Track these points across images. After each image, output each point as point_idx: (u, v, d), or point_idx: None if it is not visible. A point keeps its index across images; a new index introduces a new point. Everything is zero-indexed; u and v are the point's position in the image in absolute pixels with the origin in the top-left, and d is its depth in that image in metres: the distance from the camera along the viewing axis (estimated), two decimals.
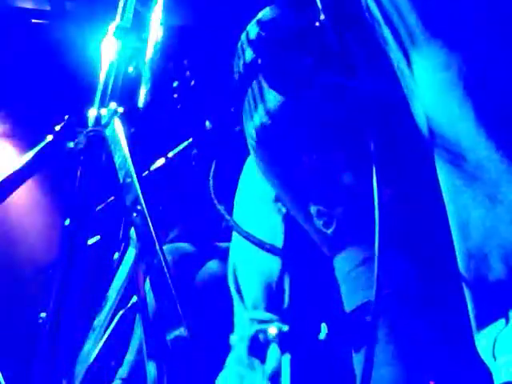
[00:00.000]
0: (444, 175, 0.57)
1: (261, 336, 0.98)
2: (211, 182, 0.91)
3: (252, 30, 0.89)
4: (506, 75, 0.52)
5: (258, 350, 0.98)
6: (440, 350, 0.65)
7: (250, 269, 1.05)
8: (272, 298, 1.00)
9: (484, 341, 0.52)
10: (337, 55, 0.74)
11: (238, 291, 1.07)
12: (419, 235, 0.73)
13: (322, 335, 0.92)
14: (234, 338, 1.03)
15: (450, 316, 0.66)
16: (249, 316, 1.01)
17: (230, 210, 1.18)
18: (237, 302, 1.08)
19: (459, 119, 0.52)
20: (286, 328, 0.96)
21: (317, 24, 0.72)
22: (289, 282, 1.00)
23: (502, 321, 0.50)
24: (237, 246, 1.12)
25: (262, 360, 0.97)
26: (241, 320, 1.03)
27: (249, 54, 0.88)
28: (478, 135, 0.50)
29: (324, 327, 0.92)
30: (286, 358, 0.95)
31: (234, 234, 1.14)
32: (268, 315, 0.98)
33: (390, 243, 0.70)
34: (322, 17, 0.72)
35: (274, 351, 0.96)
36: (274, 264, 1.02)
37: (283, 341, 0.96)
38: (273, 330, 0.96)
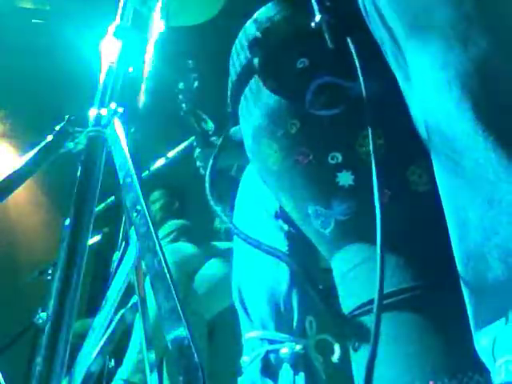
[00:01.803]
0: (442, 175, 0.57)
1: (272, 357, 0.97)
2: (208, 183, 0.91)
3: (248, 29, 0.89)
4: (504, 74, 0.52)
5: (270, 371, 0.96)
6: (440, 350, 0.65)
7: (256, 286, 1.03)
8: (281, 317, 0.98)
9: (483, 341, 0.52)
10: (333, 56, 0.74)
11: (245, 309, 1.05)
12: (419, 235, 0.73)
13: (336, 357, 0.90)
14: (244, 359, 1.01)
15: (450, 316, 0.67)
16: (258, 336, 1.00)
17: (230, 211, 1.17)
18: (244, 320, 1.06)
19: (457, 119, 0.52)
20: (298, 348, 0.95)
21: (313, 24, 0.72)
22: (297, 299, 0.99)
23: (502, 321, 0.50)
24: (240, 261, 1.10)
25: (275, 381, 0.95)
26: (249, 340, 1.02)
27: (245, 54, 0.88)
28: (475, 135, 0.50)
29: (337, 348, 0.90)
30: (300, 378, 0.94)
31: (236, 248, 1.13)
32: (279, 335, 0.97)
33: (390, 243, 0.70)
34: (318, 17, 0.72)
35: (286, 372, 0.95)
36: (281, 280, 1.00)
37: (296, 361, 0.95)
38: (285, 351, 0.95)
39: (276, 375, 0.95)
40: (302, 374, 0.93)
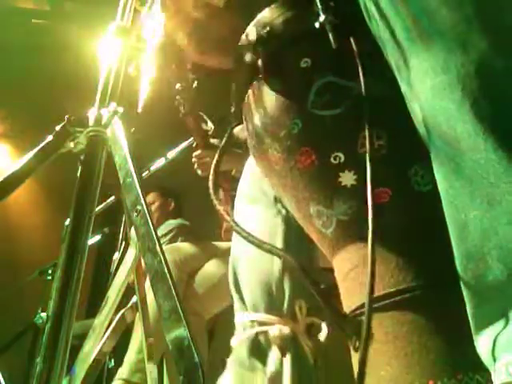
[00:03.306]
0: (442, 176, 0.57)
1: (261, 338, 0.98)
2: (211, 183, 0.91)
3: (251, 30, 0.89)
4: (505, 76, 0.52)
5: (259, 352, 0.98)
6: (440, 350, 0.65)
7: (250, 269, 1.05)
8: (272, 300, 1.00)
9: (484, 341, 0.52)
10: (336, 56, 0.74)
11: (238, 292, 1.07)
12: (420, 235, 0.73)
13: (322, 336, 0.92)
14: (234, 340, 1.02)
15: (450, 316, 0.67)
16: (249, 317, 1.01)
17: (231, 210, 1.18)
18: (237, 302, 1.08)
19: (457, 121, 0.52)
20: (286, 330, 0.96)
21: (317, 24, 0.72)
22: (289, 283, 1.00)
23: (502, 321, 0.50)
24: (237, 247, 1.12)
25: (264, 362, 0.97)
26: (241, 321, 1.03)
27: (248, 55, 0.88)
28: (476, 136, 0.50)
29: (324, 327, 0.92)
30: (287, 360, 0.95)
31: (235, 234, 1.14)
32: (269, 317, 0.98)
33: (390, 243, 0.70)
34: (323, 17, 0.72)
35: (275, 353, 0.96)
36: (274, 265, 1.02)
37: (284, 343, 0.96)
38: (274, 332, 0.96)
39: (264, 356, 0.97)
40: (289, 356, 0.95)
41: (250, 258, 1.06)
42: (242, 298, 1.06)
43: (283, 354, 0.96)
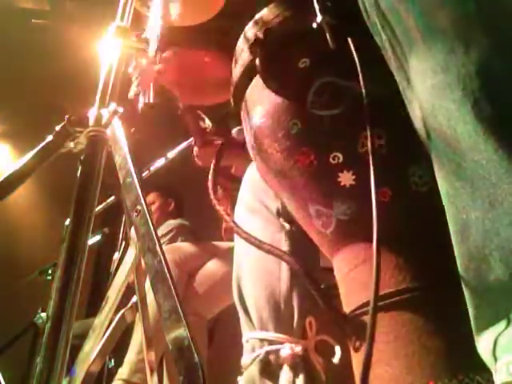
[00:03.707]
0: (443, 176, 0.57)
1: (272, 357, 0.96)
2: (211, 183, 0.91)
3: (249, 30, 0.89)
4: (506, 76, 0.52)
5: (270, 372, 0.96)
6: (440, 350, 0.65)
7: (256, 285, 1.03)
8: (281, 317, 0.98)
9: (485, 342, 0.52)
10: (335, 56, 0.74)
11: (244, 308, 1.05)
12: (420, 235, 0.73)
13: (337, 358, 0.90)
14: (245, 360, 1.00)
15: (451, 316, 0.67)
16: (258, 336, 0.99)
17: (231, 211, 1.17)
18: (244, 320, 1.05)
19: (458, 121, 0.52)
20: (297, 349, 0.94)
21: (314, 25, 0.72)
22: (297, 300, 0.98)
23: (503, 321, 0.50)
24: (241, 260, 1.10)
25: (275, 382, 0.95)
26: (250, 340, 1.01)
27: (246, 55, 0.88)
28: (477, 136, 0.50)
29: (338, 349, 0.90)
30: (300, 381, 0.93)
31: (237, 247, 1.12)
32: (278, 335, 0.96)
33: (390, 243, 0.70)
34: (320, 17, 0.72)
35: (286, 373, 0.94)
36: (281, 281, 0.99)
37: (295, 362, 0.94)
38: (284, 352, 0.94)
39: (275, 376, 0.95)
40: (301, 377, 0.93)
41: (255, 271, 1.03)
42: (248, 315, 1.04)
43: (295, 374, 0.93)
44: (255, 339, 0.99)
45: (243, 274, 1.07)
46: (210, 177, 0.92)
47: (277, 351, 0.95)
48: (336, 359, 0.87)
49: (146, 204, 0.78)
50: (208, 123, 1.78)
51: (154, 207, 2.79)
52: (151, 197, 2.82)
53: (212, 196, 0.89)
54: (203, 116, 1.79)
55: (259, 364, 0.97)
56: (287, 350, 0.94)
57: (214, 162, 0.96)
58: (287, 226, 1.03)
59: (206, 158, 1.80)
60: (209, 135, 1.79)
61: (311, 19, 0.73)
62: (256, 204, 1.09)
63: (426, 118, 0.57)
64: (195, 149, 1.85)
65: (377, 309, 0.58)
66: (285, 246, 1.01)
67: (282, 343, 0.95)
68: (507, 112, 0.50)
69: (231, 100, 0.97)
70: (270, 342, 0.97)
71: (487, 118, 0.50)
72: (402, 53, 0.60)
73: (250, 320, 1.02)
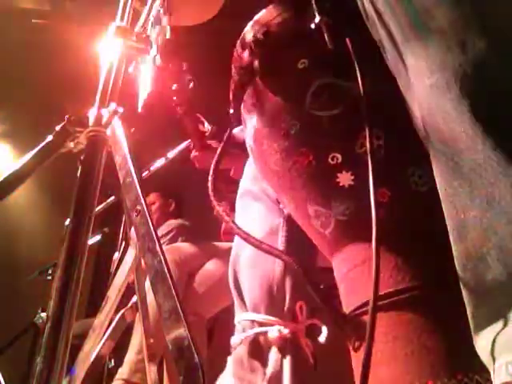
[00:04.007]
0: (441, 175, 0.57)
1: (261, 339, 0.98)
2: (211, 184, 0.91)
3: (249, 31, 0.90)
4: (502, 75, 0.52)
5: (258, 353, 0.98)
6: (439, 350, 0.66)
7: (251, 269, 1.05)
8: (273, 300, 0.99)
9: (483, 341, 0.53)
10: (333, 56, 0.74)
11: (239, 292, 1.07)
12: (419, 235, 0.73)
13: (323, 337, 0.91)
14: (234, 340, 1.02)
15: (450, 316, 0.67)
16: (249, 318, 1.01)
17: (231, 211, 1.18)
18: (237, 302, 1.08)
19: (456, 120, 0.52)
20: (286, 331, 0.96)
21: (312, 26, 0.73)
22: (290, 284, 1.00)
23: (501, 321, 0.50)
24: (238, 245, 1.11)
25: (263, 363, 0.96)
26: (241, 321, 1.03)
27: (246, 56, 0.88)
28: (474, 136, 0.50)
29: (324, 329, 0.92)
30: (287, 362, 0.94)
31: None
32: (268, 318, 0.98)
33: (389, 243, 0.70)
34: (318, 18, 0.72)
35: (274, 354, 0.96)
36: (275, 265, 1.01)
37: (284, 345, 0.96)
38: (273, 333, 0.96)
39: (264, 357, 0.96)
40: (289, 358, 0.94)
41: (251, 257, 1.06)
42: (242, 298, 1.06)
43: (283, 356, 0.95)
44: (246, 320, 1.01)
45: (240, 258, 1.08)
46: (210, 178, 0.92)
47: (266, 333, 0.97)
48: (322, 338, 0.89)
49: (146, 204, 0.78)
50: (207, 126, 1.78)
51: (154, 207, 2.79)
52: (152, 197, 2.83)
53: (212, 197, 0.89)
54: (202, 119, 1.79)
55: (248, 344, 0.98)
56: (275, 331, 0.95)
57: (214, 162, 0.96)
58: (286, 211, 1.05)
59: (205, 161, 1.80)
60: (208, 138, 1.80)
61: (310, 20, 0.73)
62: (257, 191, 1.11)
63: (425, 118, 0.57)
64: (193, 152, 1.86)
65: (376, 308, 0.58)
66: (282, 231, 1.03)
67: (272, 325, 0.97)
68: (504, 112, 0.50)
69: (230, 100, 0.97)
70: (261, 324, 0.98)
71: (484, 117, 0.50)
72: (399, 52, 0.60)
73: (243, 302, 1.04)
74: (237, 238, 1.14)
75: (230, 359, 1.03)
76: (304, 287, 0.80)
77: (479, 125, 0.50)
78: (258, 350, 0.98)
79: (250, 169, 1.17)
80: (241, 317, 1.04)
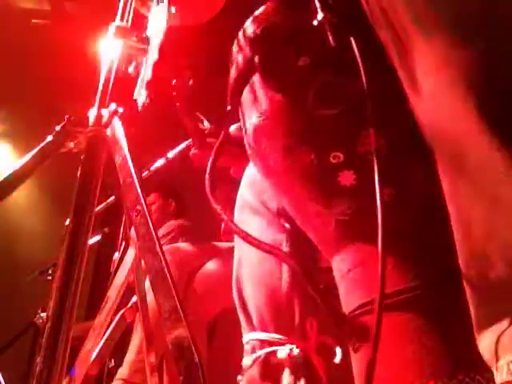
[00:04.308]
0: (445, 175, 0.57)
1: (272, 359, 0.96)
2: (208, 182, 0.91)
3: (248, 27, 0.89)
4: (508, 73, 0.52)
5: (271, 374, 0.95)
6: (440, 350, 0.65)
7: (257, 286, 1.02)
8: (281, 318, 0.97)
9: (486, 340, 0.52)
10: (335, 54, 0.73)
11: (245, 310, 1.04)
12: (421, 235, 0.73)
13: (338, 359, 0.89)
14: (245, 361, 0.99)
15: (451, 315, 0.67)
16: (258, 337, 0.98)
17: (230, 211, 1.17)
18: (244, 321, 1.05)
19: (460, 118, 0.52)
20: (296, 351, 0.94)
21: (315, 23, 0.72)
22: (298, 300, 0.97)
23: (505, 321, 0.50)
24: (241, 260, 1.09)
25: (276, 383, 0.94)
26: (250, 341, 1.00)
27: (245, 52, 0.88)
28: (479, 134, 0.50)
29: (339, 351, 0.89)
30: (301, 382, 0.92)
31: (237, 247, 1.12)
32: (278, 337, 0.95)
33: (391, 243, 0.70)
34: (321, 15, 0.71)
35: (288, 377, 0.93)
36: (282, 281, 0.99)
37: (296, 364, 0.93)
38: (285, 353, 0.94)
39: (276, 377, 0.95)
40: (303, 381, 0.92)
41: (255, 271, 1.02)
42: (248, 316, 1.03)
43: (296, 377, 0.93)
44: (255, 340, 0.99)
45: (243, 274, 1.06)
46: (207, 176, 0.92)
47: (277, 352, 0.95)
48: (337, 360, 0.87)
49: (146, 204, 0.78)
50: (207, 125, 1.78)
51: (154, 207, 2.79)
52: (152, 197, 2.82)
53: (209, 195, 0.88)
54: (202, 117, 1.79)
55: (259, 366, 0.96)
56: (286, 351, 0.93)
57: (211, 161, 0.96)
58: (288, 226, 1.02)
59: (204, 159, 1.80)
60: (207, 137, 1.79)
61: (311, 17, 0.73)
62: (256, 204, 1.08)
63: (429, 116, 0.57)
64: (192, 150, 1.85)
65: (382, 309, 0.58)
66: (285, 246, 1.01)
67: (282, 344, 0.95)
68: (510, 110, 0.50)
69: (229, 98, 0.97)
70: (270, 343, 0.96)
71: (491, 115, 0.50)
72: (403, 49, 0.60)
73: (251, 320, 1.02)
74: (237, 251, 1.11)
75: (242, 381, 1.00)
76: (313, 302, 0.79)
77: (484, 123, 0.50)
78: (270, 371, 0.95)
79: (250, 176, 1.15)
80: (249, 336, 1.01)
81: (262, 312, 0.99)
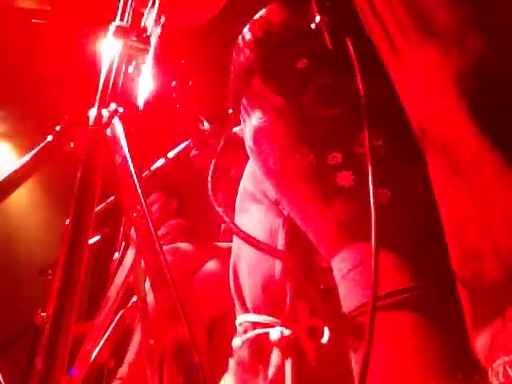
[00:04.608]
0: (438, 176, 0.57)
1: (263, 340, 0.97)
2: (210, 183, 0.91)
3: (248, 30, 0.89)
4: (500, 75, 0.52)
5: (260, 354, 0.97)
6: (439, 350, 0.65)
7: (252, 270, 1.04)
8: (274, 302, 0.99)
9: (481, 340, 0.53)
10: (333, 56, 0.74)
11: (239, 294, 1.06)
12: (418, 236, 0.73)
13: (325, 339, 0.91)
14: (236, 342, 1.02)
15: (449, 315, 0.67)
16: (250, 319, 1.00)
17: (230, 211, 1.17)
18: (238, 303, 1.07)
19: (454, 119, 0.52)
20: (288, 332, 0.95)
21: (313, 25, 0.72)
22: (291, 284, 0.99)
23: (499, 320, 0.50)
24: (238, 247, 1.11)
25: (265, 364, 0.96)
26: (242, 322, 1.03)
27: (245, 55, 0.88)
28: (473, 135, 0.50)
29: (326, 330, 0.91)
30: (289, 363, 0.94)
31: (235, 240, 1.13)
32: (270, 319, 0.98)
33: (389, 243, 0.70)
34: (318, 18, 0.72)
35: (276, 356, 0.95)
36: (276, 266, 1.01)
37: (285, 345, 0.95)
38: (275, 335, 0.96)
39: (266, 358, 0.96)
40: (291, 359, 0.94)
41: (252, 258, 1.05)
42: (243, 299, 1.05)
43: (285, 357, 0.95)
44: (247, 322, 1.00)
45: (241, 260, 1.08)
46: (209, 177, 0.92)
47: (267, 334, 0.96)
48: (325, 339, 0.88)
49: (146, 204, 0.78)
50: (206, 125, 1.78)
51: (155, 207, 2.79)
52: (154, 196, 2.82)
53: (211, 197, 0.89)
54: (202, 118, 1.79)
55: (249, 346, 0.98)
56: (277, 333, 0.95)
57: (214, 162, 0.96)
58: (285, 212, 1.04)
59: (204, 160, 1.80)
60: (207, 138, 1.79)
61: (310, 19, 0.73)
62: (257, 193, 1.10)
63: (422, 116, 0.57)
64: (193, 151, 1.85)
65: (375, 309, 0.58)
66: (282, 232, 1.02)
67: (273, 326, 0.96)
68: (503, 112, 0.51)
69: (230, 101, 0.97)
70: (262, 325, 0.98)
71: (484, 117, 0.50)
72: (397, 53, 0.60)
73: (245, 304, 1.04)
74: (236, 239, 1.14)
75: (231, 361, 1.02)
76: (304, 287, 0.80)
77: (478, 125, 0.50)
78: (259, 351, 0.97)
79: (251, 168, 1.17)
80: (242, 318, 1.03)
81: (255, 296, 1.01)
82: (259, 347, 0.98)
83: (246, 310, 1.04)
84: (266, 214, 1.06)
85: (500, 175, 0.48)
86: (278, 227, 1.03)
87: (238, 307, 1.07)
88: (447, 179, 0.54)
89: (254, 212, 1.08)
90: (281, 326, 0.96)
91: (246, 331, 1.00)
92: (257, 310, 1.00)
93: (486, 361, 0.51)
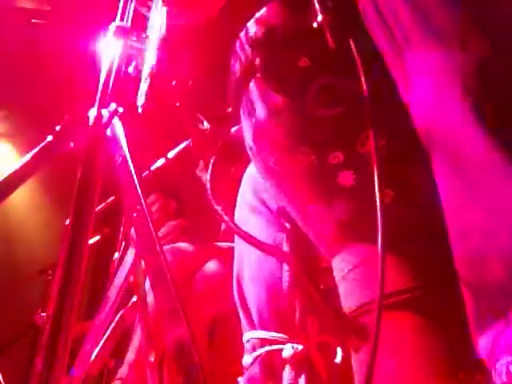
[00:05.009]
0: (442, 176, 0.57)
1: (274, 357, 0.95)
2: (209, 183, 0.91)
3: (250, 29, 0.89)
4: (504, 75, 0.52)
5: (272, 372, 0.95)
6: (440, 350, 0.65)
7: (258, 285, 1.02)
8: (281, 317, 0.97)
9: (484, 341, 0.52)
10: (335, 55, 0.74)
11: (245, 308, 1.04)
12: (420, 236, 0.73)
13: (338, 358, 0.89)
14: (246, 359, 1.00)
15: (451, 316, 0.67)
16: (259, 336, 0.99)
17: (230, 211, 1.17)
18: (244, 319, 1.05)
19: (457, 120, 0.52)
20: (299, 348, 0.94)
21: (315, 25, 0.72)
22: (299, 299, 0.97)
23: (502, 321, 0.50)
24: (240, 256, 1.09)
25: (277, 381, 0.94)
26: (250, 340, 1.00)
27: (246, 54, 0.88)
28: (476, 136, 0.50)
29: (339, 351, 0.89)
30: (302, 380, 0.93)
31: (237, 247, 1.12)
32: (279, 335, 0.96)
33: (391, 243, 0.70)
34: (320, 17, 0.72)
35: (289, 373, 0.93)
36: (282, 280, 0.99)
37: (297, 362, 0.93)
38: (286, 351, 0.94)
39: (277, 376, 0.95)
40: (304, 377, 0.93)
41: (257, 272, 1.03)
42: (249, 314, 1.03)
43: (298, 374, 0.93)
44: (256, 339, 0.99)
45: (244, 273, 1.07)
46: (208, 177, 0.92)
47: (279, 351, 0.95)
48: (338, 359, 0.87)
49: (146, 204, 0.78)
50: (206, 125, 1.78)
51: (155, 208, 2.78)
52: (153, 197, 2.82)
53: (210, 196, 0.88)
54: (202, 118, 1.79)
55: (261, 364, 0.96)
56: (290, 349, 0.94)
57: (212, 162, 0.96)
58: (288, 225, 1.02)
59: (204, 159, 1.80)
60: (207, 137, 1.79)
61: (312, 19, 0.73)
62: (257, 203, 1.08)
63: (426, 117, 0.57)
64: (193, 151, 1.85)
65: (382, 309, 0.58)
66: (286, 246, 1.01)
67: (283, 343, 0.95)
68: (507, 112, 0.50)
69: (230, 100, 0.97)
70: (271, 342, 0.96)
71: (487, 117, 0.50)
72: (400, 53, 0.60)
73: (251, 319, 1.02)
74: (238, 247, 1.11)
75: (243, 380, 1.01)
76: (313, 302, 0.79)
77: (481, 125, 0.50)
78: (271, 368, 0.95)
79: (250, 177, 1.15)
80: (249, 335, 1.01)
81: (262, 311, 0.99)
82: (271, 364, 0.96)
83: (252, 326, 1.01)
84: (266, 226, 1.04)
85: (503, 176, 0.48)
86: (280, 242, 1.01)
87: (243, 323, 1.05)
88: (450, 179, 0.54)
89: (252, 224, 1.05)
90: (290, 341, 0.95)
91: (254, 348, 0.98)
92: (264, 326, 0.98)
93: (489, 361, 0.51)
